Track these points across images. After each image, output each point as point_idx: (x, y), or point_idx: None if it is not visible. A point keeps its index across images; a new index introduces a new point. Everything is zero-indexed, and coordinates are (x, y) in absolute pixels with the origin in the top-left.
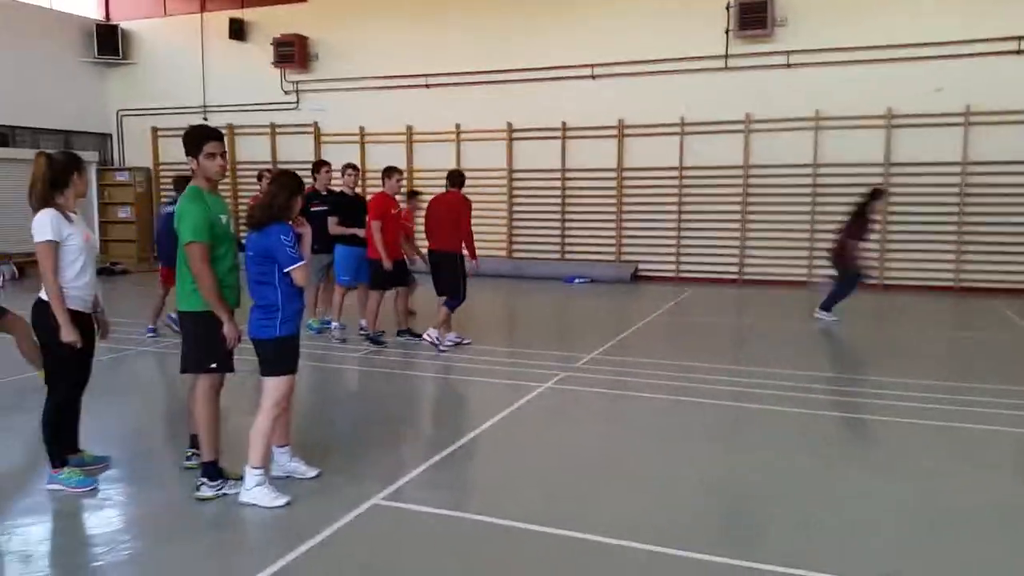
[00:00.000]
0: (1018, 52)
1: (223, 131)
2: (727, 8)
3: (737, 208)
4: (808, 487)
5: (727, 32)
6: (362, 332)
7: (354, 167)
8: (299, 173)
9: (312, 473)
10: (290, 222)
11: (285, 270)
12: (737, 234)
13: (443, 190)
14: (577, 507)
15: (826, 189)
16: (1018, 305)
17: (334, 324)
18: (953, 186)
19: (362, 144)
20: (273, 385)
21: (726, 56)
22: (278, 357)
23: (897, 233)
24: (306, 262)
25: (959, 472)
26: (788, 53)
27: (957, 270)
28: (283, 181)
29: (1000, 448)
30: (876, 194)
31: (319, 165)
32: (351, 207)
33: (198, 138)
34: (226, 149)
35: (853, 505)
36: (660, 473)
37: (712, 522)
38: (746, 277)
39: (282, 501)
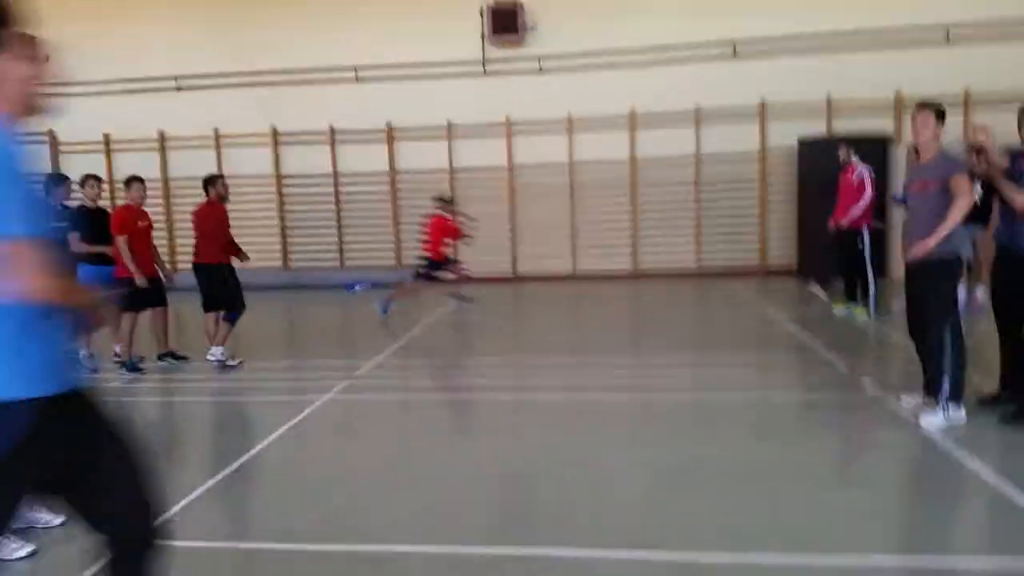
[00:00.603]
0: (734, 55)
1: None
2: (480, 13)
3: (506, 207)
4: (574, 468)
5: (483, 37)
6: (116, 359)
7: (95, 178)
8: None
9: (57, 520)
10: None
11: None
12: (509, 233)
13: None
14: (356, 519)
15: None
16: (749, 285)
17: (82, 352)
18: (688, 181)
19: (108, 153)
20: None
21: (483, 61)
22: None
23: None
24: None
25: (702, 437)
26: (539, 58)
27: (698, 256)
28: None
29: (735, 412)
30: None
31: (56, 179)
32: (96, 222)
33: None
34: None
35: (615, 479)
36: (437, 473)
37: (488, 514)
38: (519, 274)
39: (24, 552)
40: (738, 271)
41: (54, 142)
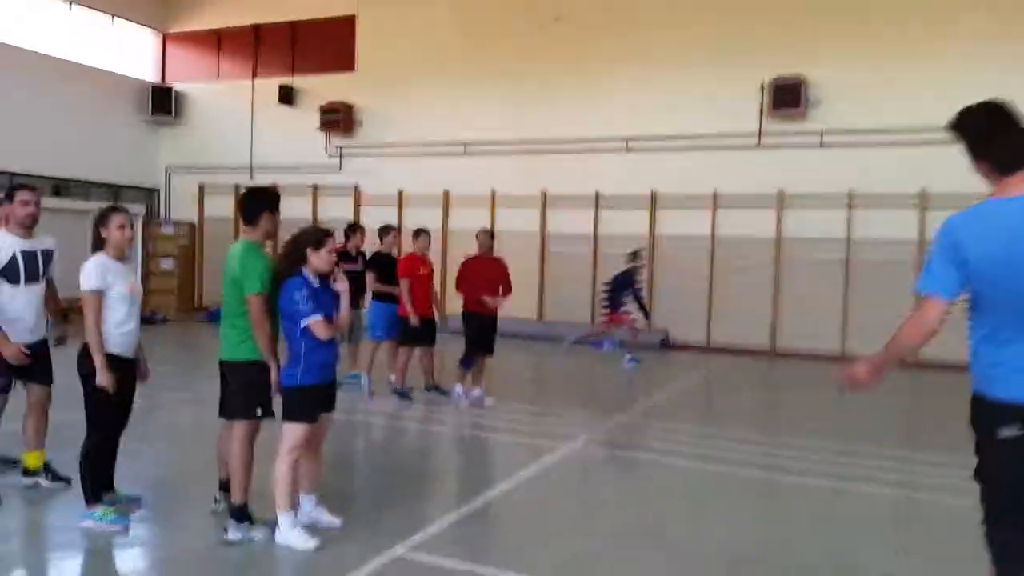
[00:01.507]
0: None
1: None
2: (761, 88)
3: (770, 280)
4: (839, 561)
5: (760, 112)
6: (390, 385)
7: (395, 228)
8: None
9: (336, 522)
10: (313, 275)
11: (302, 324)
12: (769, 306)
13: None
14: (594, 570)
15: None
16: None
17: (364, 378)
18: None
19: (400, 207)
20: (289, 431)
21: (759, 134)
22: (296, 404)
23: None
24: (324, 316)
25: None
26: (822, 133)
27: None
28: (297, 236)
29: None
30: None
31: (353, 228)
32: (390, 266)
33: (265, 203)
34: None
35: None
36: (686, 541)
37: None
38: (777, 350)
39: (312, 544)
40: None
41: (357, 195)
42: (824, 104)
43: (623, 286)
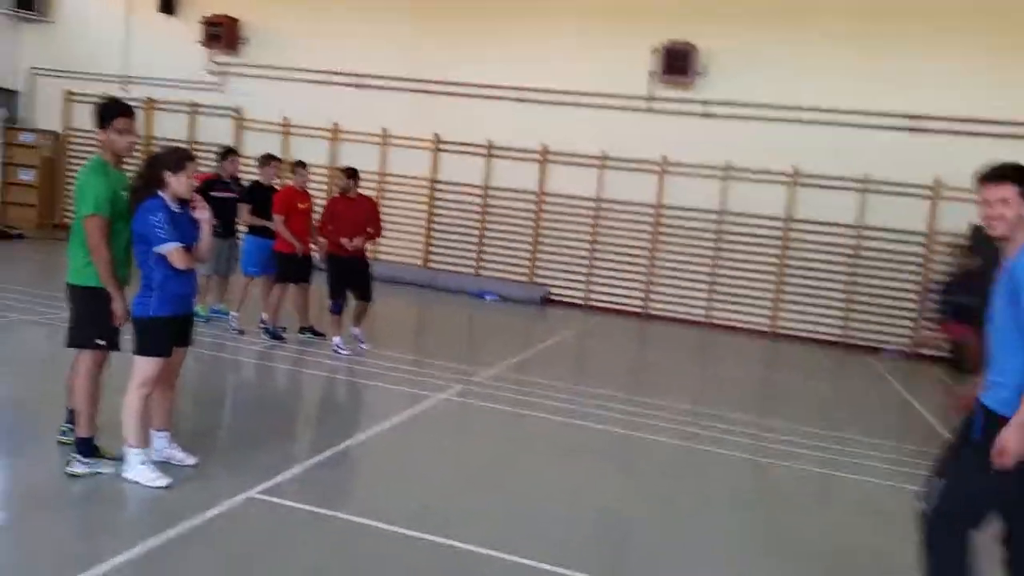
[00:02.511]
0: (911, 130)
1: (141, 104)
2: (652, 52)
3: (646, 245)
4: (674, 511)
5: (651, 74)
6: (262, 325)
7: (276, 159)
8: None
9: (191, 461)
10: (172, 200)
11: (155, 250)
12: (644, 269)
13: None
14: (453, 516)
15: (730, 236)
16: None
17: (232, 314)
18: (847, 247)
19: (285, 135)
20: (141, 365)
21: (649, 98)
22: (149, 337)
23: (790, 285)
24: (186, 244)
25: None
26: (705, 103)
27: (845, 326)
28: (155, 156)
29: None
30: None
31: (226, 153)
32: (267, 199)
33: (111, 111)
34: (136, 127)
35: (699, 538)
36: (537, 493)
37: (580, 540)
38: (650, 312)
39: (163, 482)
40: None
41: (239, 120)
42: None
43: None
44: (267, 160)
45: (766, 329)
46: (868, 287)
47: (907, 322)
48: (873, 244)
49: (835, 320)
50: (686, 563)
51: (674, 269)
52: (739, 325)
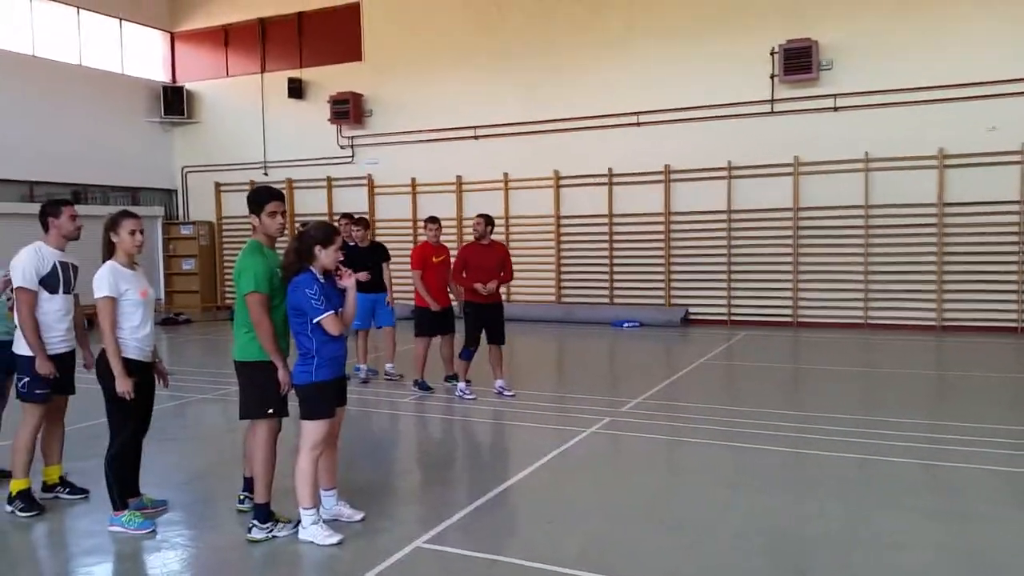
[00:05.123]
0: None
1: (282, 185)
2: (771, 54)
3: (788, 250)
4: (858, 534)
5: (772, 77)
6: (387, 376)
7: (361, 223)
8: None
9: (358, 516)
10: (320, 272)
11: (313, 321)
12: (789, 275)
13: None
14: (618, 553)
15: (877, 230)
16: None
17: (363, 367)
18: (1012, 224)
19: (414, 194)
20: (310, 429)
21: (772, 100)
22: (314, 402)
23: (953, 273)
24: (339, 312)
25: (1003, 516)
26: (835, 96)
27: (1020, 309)
28: (306, 233)
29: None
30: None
31: (341, 218)
32: (360, 258)
33: (261, 197)
34: (286, 208)
35: (900, 552)
36: (704, 521)
37: (751, 569)
38: (800, 320)
39: (335, 539)
40: None
41: (371, 185)
42: (836, 67)
43: None
44: (359, 223)
45: (932, 323)
46: None
47: None
48: None
49: (1008, 304)
50: None
51: (822, 271)
52: (901, 323)
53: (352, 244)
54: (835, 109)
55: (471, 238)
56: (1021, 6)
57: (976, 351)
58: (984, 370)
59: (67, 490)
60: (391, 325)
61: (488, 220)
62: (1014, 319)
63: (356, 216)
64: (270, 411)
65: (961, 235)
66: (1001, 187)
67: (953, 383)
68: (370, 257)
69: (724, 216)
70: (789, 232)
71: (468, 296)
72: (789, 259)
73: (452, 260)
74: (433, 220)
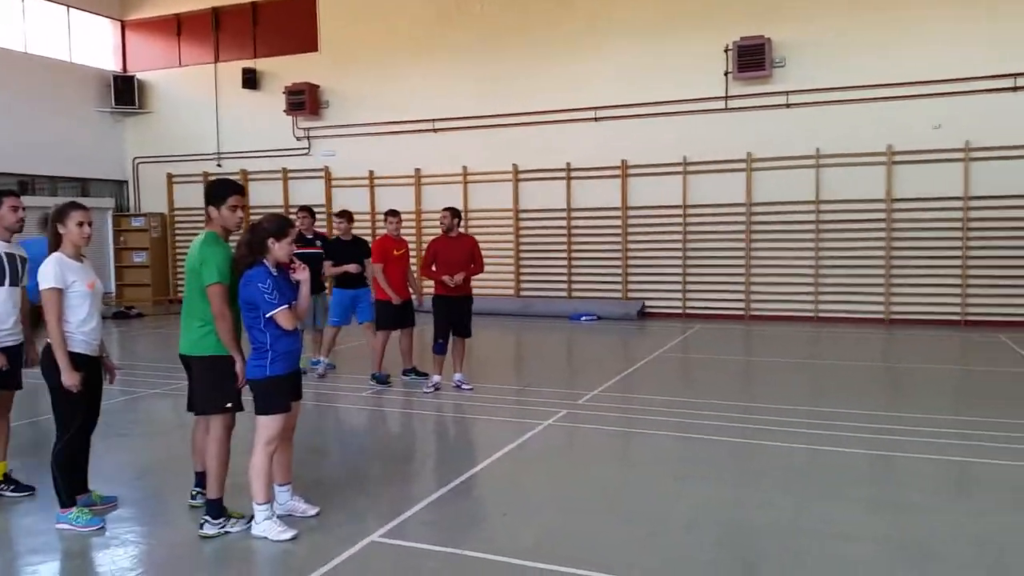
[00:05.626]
0: (1015, 89)
1: (236, 176)
2: (726, 51)
3: (741, 244)
4: (805, 524)
5: (726, 74)
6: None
7: (345, 215)
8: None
9: (312, 511)
10: (272, 265)
11: (267, 315)
12: (742, 270)
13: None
14: (574, 544)
15: (828, 226)
16: (1021, 338)
17: (323, 361)
18: (956, 221)
19: (372, 187)
20: (264, 424)
21: (726, 97)
22: (268, 396)
23: (901, 268)
24: (292, 305)
25: (942, 507)
26: (787, 93)
27: (963, 304)
28: (259, 225)
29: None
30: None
31: (299, 210)
32: (345, 251)
33: (223, 190)
34: (247, 203)
35: (846, 543)
36: (657, 512)
37: (704, 561)
38: (752, 313)
39: (289, 535)
40: (1004, 322)
41: (328, 177)
42: (788, 65)
43: None
44: (344, 216)
45: (880, 316)
46: (982, 260)
47: None
48: (980, 214)
49: (952, 299)
50: (822, 570)
51: (774, 266)
52: (850, 316)
53: (335, 238)
54: (787, 106)
55: (430, 231)
56: (968, 8)
57: (922, 344)
58: (929, 362)
59: (12, 488)
60: (373, 320)
61: (455, 213)
62: (957, 312)
63: (340, 210)
64: (228, 405)
65: (908, 231)
66: (946, 184)
67: (899, 375)
68: (354, 251)
69: (679, 211)
70: (742, 227)
71: (437, 289)
72: (742, 253)
73: (412, 253)
74: (393, 213)
